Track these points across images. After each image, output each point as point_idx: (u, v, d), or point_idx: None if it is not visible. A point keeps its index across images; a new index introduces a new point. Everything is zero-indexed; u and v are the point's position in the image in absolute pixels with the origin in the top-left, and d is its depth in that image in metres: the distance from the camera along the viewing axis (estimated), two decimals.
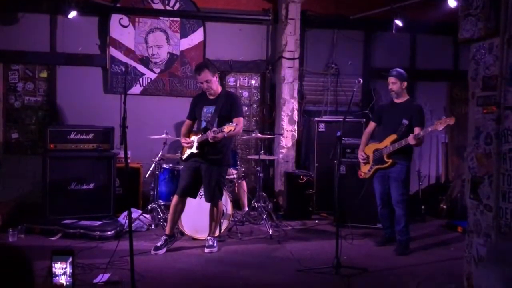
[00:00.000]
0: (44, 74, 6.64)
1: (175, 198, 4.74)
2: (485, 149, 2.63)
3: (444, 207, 6.60)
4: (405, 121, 4.77)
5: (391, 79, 4.93)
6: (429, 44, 7.56)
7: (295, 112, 6.91)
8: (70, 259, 2.15)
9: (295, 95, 6.91)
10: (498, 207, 2.49)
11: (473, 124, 2.74)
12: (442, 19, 6.66)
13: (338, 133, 4.37)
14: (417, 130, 4.68)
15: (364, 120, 6.80)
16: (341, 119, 4.93)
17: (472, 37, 2.71)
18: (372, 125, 5.17)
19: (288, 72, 6.86)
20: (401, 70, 4.99)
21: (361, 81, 4.59)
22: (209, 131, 4.53)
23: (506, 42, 2.47)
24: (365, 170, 5.06)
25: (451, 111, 7.34)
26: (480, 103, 2.70)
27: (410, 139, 4.57)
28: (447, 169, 7.47)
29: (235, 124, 4.43)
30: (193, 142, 4.71)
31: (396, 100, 4.99)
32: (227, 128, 4.38)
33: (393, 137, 4.80)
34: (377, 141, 5.06)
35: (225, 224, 5.11)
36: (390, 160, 4.80)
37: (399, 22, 6.57)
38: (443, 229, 5.98)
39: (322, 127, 6.67)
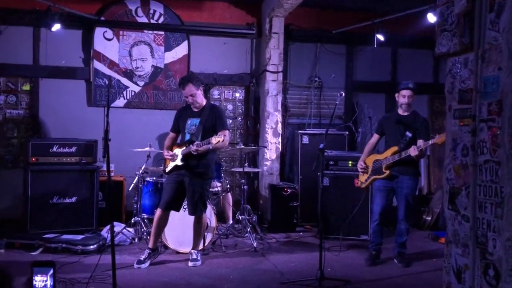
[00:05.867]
0: (26, 87, 6.59)
1: (158, 211, 4.72)
2: (462, 161, 2.68)
3: (427, 218, 6.68)
4: (409, 134, 4.75)
5: (407, 92, 4.82)
6: (410, 58, 7.71)
7: (279, 125, 6.97)
8: (51, 271, 2.13)
9: (279, 108, 6.97)
10: (475, 218, 2.54)
11: (450, 136, 2.80)
12: (422, 34, 6.82)
13: (321, 146, 4.40)
14: (420, 142, 4.64)
15: (347, 132, 6.88)
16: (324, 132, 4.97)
17: (448, 52, 2.78)
18: (375, 136, 5.15)
19: (272, 85, 6.92)
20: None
21: (343, 94, 4.61)
22: (192, 144, 4.53)
23: (480, 57, 2.53)
24: (362, 179, 5.09)
25: (432, 124, 7.47)
26: (456, 115, 2.76)
27: (412, 150, 4.56)
28: (430, 181, 7.57)
29: (222, 135, 4.43)
30: (176, 155, 4.71)
31: (401, 113, 4.93)
32: (214, 140, 4.36)
33: (394, 148, 4.80)
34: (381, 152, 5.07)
35: (209, 237, 5.09)
36: (388, 171, 4.79)
37: (380, 37, 6.70)
38: (426, 241, 6.04)
39: (305, 140, 6.72)
